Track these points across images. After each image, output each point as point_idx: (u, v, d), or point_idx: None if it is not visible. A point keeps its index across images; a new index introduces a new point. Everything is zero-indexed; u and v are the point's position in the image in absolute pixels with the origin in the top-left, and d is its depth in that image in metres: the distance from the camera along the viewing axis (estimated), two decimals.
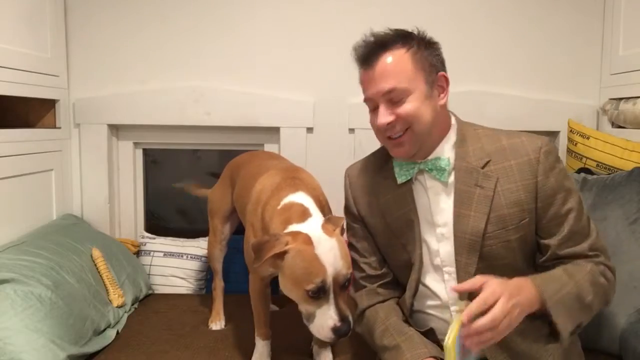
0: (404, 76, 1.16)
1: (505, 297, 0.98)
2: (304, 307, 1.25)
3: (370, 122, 1.25)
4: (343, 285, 1.25)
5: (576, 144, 1.96)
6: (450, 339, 0.96)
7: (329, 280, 1.21)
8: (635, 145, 1.80)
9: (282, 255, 1.23)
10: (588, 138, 1.93)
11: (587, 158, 1.92)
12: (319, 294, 1.21)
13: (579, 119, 2.05)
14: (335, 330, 1.21)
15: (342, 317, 1.22)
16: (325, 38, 2.16)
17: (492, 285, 1.00)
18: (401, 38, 1.19)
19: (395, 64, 1.17)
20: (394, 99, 1.17)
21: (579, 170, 1.87)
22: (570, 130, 2.00)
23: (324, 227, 1.29)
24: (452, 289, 1.09)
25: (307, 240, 1.23)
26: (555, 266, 1.20)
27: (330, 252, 1.23)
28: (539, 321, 1.13)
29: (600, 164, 1.88)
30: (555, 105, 2.14)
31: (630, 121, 1.90)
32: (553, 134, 2.17)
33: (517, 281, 1.07)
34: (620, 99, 1.98)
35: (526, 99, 2.15)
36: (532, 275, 1.12)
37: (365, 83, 1.22)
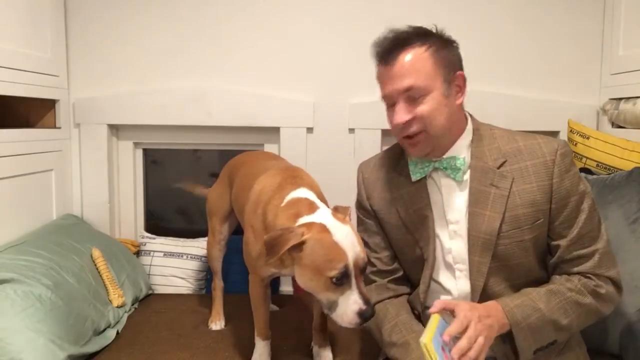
0: (423, 74, 1.16)
1: (475, 320, 1.06)
2: (326, 296, 1.24)
3: (388, 119, 1.26)
4: (362, 270, 1.26)
5: (576, 144, 1.96)
6: (426, 336, 1.00)
7: (351, 265, 1.22)
8: (635, 145, 1.80)
9: (299, 246, 1.22)
10: (588, 138, 1.93)
11: (587, 158, 1.92)
12: (342, 280, 1.21)
13: (579, 119, 2.05)
14: (360, 314, 1.21)
15: (366, 301, 1.22)
16: (326, 38, 2.15)
17: (463, 310, 1.07)
18: (420, 36, 1.19)
19: (415, 61, 1.16)
20: (412, 96, 1.17)
21: (579, 171, 1.87)
22: (570, 130, 2.00)
23: (334, 215, 1.29)
24: (430, 312, 1.12)
25: (323, 228, 1.23)
26: (560, 270, 1.22)
27: (347, 238, 1.23)
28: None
29: (600, 164, 1.87)
30: (555, 105, 2.14)
31: (630, 121, 1.89)
32: (553, 134, 2.16)
33: (486, 305, 1.13)
34: (620, 99, 1.98)
35: (526, 99, 2.14)
36: (509, 296, 1.18)
37: (383, 80, 1.22)
